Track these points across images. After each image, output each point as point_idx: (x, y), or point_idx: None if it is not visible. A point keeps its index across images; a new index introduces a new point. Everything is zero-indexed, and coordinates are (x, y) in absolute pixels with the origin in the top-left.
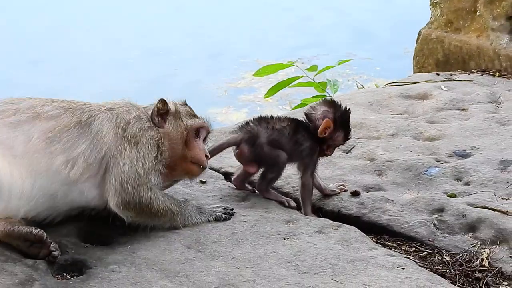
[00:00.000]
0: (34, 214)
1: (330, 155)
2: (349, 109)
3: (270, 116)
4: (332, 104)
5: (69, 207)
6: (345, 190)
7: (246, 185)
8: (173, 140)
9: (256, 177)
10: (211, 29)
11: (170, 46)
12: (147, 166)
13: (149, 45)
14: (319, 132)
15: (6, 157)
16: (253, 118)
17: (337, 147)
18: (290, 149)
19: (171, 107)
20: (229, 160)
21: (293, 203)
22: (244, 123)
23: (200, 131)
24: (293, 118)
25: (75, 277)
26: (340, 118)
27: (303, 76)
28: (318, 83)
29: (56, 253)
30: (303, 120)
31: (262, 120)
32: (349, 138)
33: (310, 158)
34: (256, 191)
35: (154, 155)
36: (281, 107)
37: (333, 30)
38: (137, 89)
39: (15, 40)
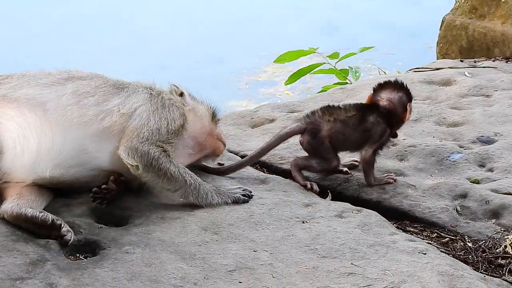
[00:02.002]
0: (62, 172)
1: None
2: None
3: (337, 106)
4: (402, 87)
5: (97, 166)
6: (395, 180)
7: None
8: (201, 117)
9: None
10: (232, 22)
11: (190, 40)
12: (171, 128)
13: (170, 38)
14: (405, 118)
15: (37, 111)
16: (320, 108)
17: None
18: (357, 139)
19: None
20: (247, 144)
21: (316, 187)
22: (310, 113)
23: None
24: (362, 105)
25: (88, 258)
26: (410, 95)
27: (324, 63)
28: (340, 70)
29: (67, 237)
30: (372, 103)
31: (326, 110)
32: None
33: (379, 138)
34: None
35: (181, 123)
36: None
37: (353, 25)
38: (158, 80)
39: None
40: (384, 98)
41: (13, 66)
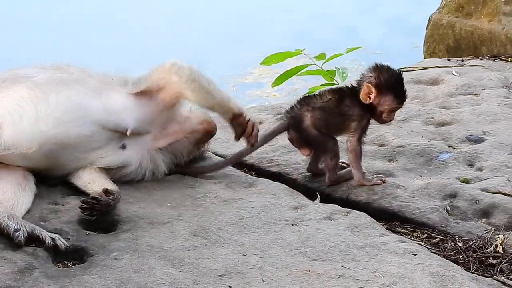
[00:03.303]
0: (63, 128)
1: (390, 120)
2: (397, 71)
3: (313, 95)
4: (376, 68)
5: (95, 120)
6: (384, 181)
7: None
8: None
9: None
10: (218, 24)
11: (177, 41)
12: None
13: (157, 39)
14: (362, 98)
15: (26, 82)
16: (297, 101)
17: (395, 111)
18: (337, 123)
19: None
20: (235, 147)
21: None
22: (289, 108)
23: None
24: (338, 88)
25: (76, 265)
26: (384, 81)
27: (311, 64)
28: (327, 71)
29: (62, 245)
30: (352, 86)
31: (304, 101)
32: (402, 100)
33: (358, 123)
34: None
35: None
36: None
37: (339, 25)
38: None
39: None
40: (359, 80)
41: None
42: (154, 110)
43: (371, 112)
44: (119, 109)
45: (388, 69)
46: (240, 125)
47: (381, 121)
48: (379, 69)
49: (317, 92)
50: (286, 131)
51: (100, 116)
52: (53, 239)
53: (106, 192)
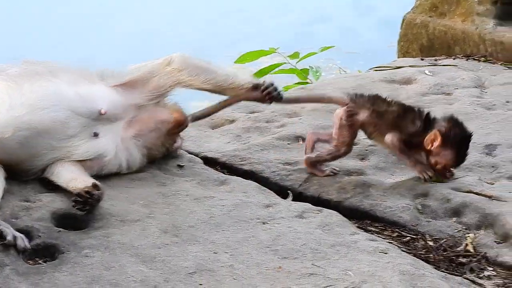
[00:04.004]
0: (38, 115)
1: (437, 171)
2: (468, 132)
3: (384, 98)
4: (451, 120)
5: (68, 106)
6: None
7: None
8: None
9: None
10: (193, 23)
11: (151, 40)
12: None
13: (133, 36)
14: (425, 142)
15: (1, 75)
16: (369, 94)
17: (448, 169)
18: (381, 130)
19: None
20: (208, 145)
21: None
22: (358, 94)
23: None
24: (409, 106)
25: (47, 262)
26: (453, 136)
27: (285, 63)
28: (300, 70)
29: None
30: (422, 112)
31: (373, 98)
32: (460, 162)
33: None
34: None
35: None
36: None
37: (315, 24)
38: None
39: None
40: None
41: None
42: (129, 98)
43: (424, 155)
44: (93, 95)
45: (461, 126)
46: (262, 94)
47: (437, 169)
48: (453, 122)
49: (389, 98)
50: (341, 106)
51: (74, 103)
52: (15, 237)
53: (95, 186)
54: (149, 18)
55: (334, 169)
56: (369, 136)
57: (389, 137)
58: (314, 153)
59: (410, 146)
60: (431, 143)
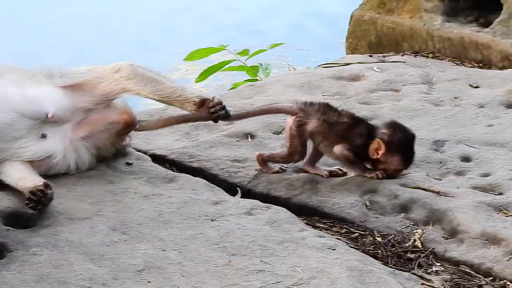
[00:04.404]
0: None
1: (386, 177)
2: (411, 133)
3: (335, 108)
4: (391, 126)
5: (15, 108)
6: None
7: (317, 166)
8: None
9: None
10: (143, 19)
11: (102, 38)
12: None
13: (84, 35)
14: (370, 153)
15: None
16: (319, 103)
17: (398, 172)
18: (330, 141)
19: None
20: (157, 142)
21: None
22: (308, 102)
23: None
24: (359, 118)
25: None
26: (397, 142)
27: (234, 60)
28: (250, 67)
29: None
30: (370, 125)
31: (323, 107)
32: (409, 164)
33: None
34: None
35: None
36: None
37: (268, 21)
38: None
39: None
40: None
41: None
42: (77, 101)
43: (372, 163)
44: (40, 98)
45: (402, 129)
46: (209, 112)
47: (389, 174)
48: (394, 127)
49: (340, 108)
50: (288, 115)
51: (20, 105)
52: None
53: (47, 185)
54: (98, 14)
55: (282, 167)
56: (317, 146)
57: (337, 149)
58: (268, 152)
59: (359, 157)
60: (376, 152)
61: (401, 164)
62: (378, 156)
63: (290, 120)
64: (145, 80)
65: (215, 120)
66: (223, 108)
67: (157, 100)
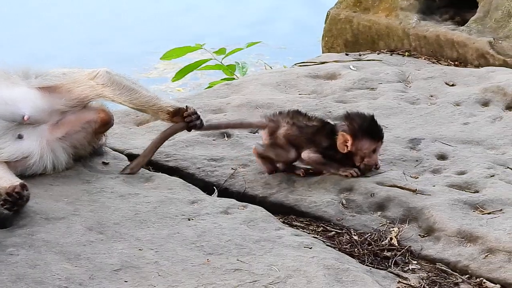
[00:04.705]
0: None
1: (374, 163)
2: (368, 115)
3: (304, 113)
4: (348, 117)
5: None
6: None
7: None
8: None
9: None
10: (121, 17)
11: (79, 36)
12: None
13: (57, 34)
14: (339, 148)
15: None
16: (288, 110)
17: (376, 151)
18: (304, 145)
19: None
20: (133, 142)
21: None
22: (277, 112)
23: None
24: (327, 122)
25: None
26: (358, 127)
27: (211, 59)
28: (227, 66)
29: None
30: (331, 124)
31: (292, 113)
32: (380, 138)
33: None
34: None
35: None
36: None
37: (246, 19)
38: None
39: None
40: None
41: None
42: (53, 103)
43: (349, 161)
44: (16, 99)
45: (358, 114)
46: (183, 121)
47: (365, 168)
48: (350, 117)
49: (309, 114)
50: (262, 129)
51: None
52: None
53: (24, 186)
54: (75, 15)
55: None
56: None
57: (305, 154)
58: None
59: (335, 159)
60: (345, 145)
61: (373, 143)
62: (349, 148)
63: (263, 134)
64: (121, 88)
65: (189, 129)
66: (198, 117)
67: (132, 108)
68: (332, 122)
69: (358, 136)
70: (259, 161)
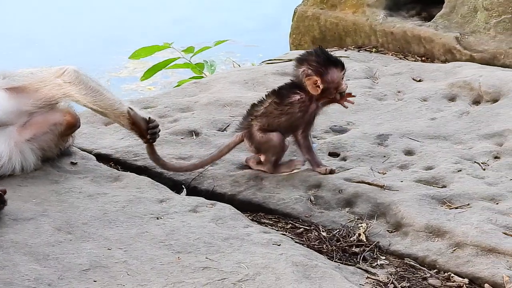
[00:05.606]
0: None
1: (346, 89)
2: (316, 48)
3: (256, 102)
4: (302, 60)
5: None
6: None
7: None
8: None
9: None
10: (92, 16)
11: (50, 37)
12: None
13: (27, 33)
14: (313, 92)
15: None
16: (246, 111)
17: (343, 79)
18: (283, 124)
19: None
20: (101, 141)
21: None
22: (241, 120)
23: None
24: (273, 90)
25: None
26: (317, 63)
27: (179, 57)
28: (196, 64)
29: None
30: (286, 85)
31: (249, 111)
32: (342, 65)
33: (302, 119)
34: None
35: None
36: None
37: (215, 18)
38: None
39: None
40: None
41: None
42: (21, 104)
43: (324, 101)
44: None
45: (309, 53)
46: (139, 128)
47: (341, 99)
48: (304, 59)
49: (260, 99)
50: (241, 142)
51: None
52: None
53: (3, 191)
54: (41, 14)
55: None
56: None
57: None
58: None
59: (303, 124)
60: (315, 86)
61: (339, 69)
62: (321, 86)
63: (245, 144)
64: (87, 88)
65: (148, 141)
66: (159, 130)
67: (95, 110)
68: (277, 87)
69: (324, 71)
70: (259, 168)
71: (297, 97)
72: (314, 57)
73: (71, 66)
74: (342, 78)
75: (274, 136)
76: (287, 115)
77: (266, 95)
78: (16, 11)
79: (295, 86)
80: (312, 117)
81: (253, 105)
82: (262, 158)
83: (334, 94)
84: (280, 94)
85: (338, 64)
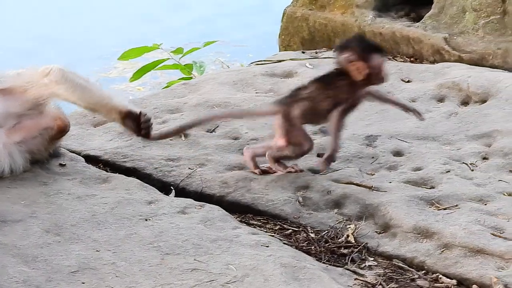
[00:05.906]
0: None
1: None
2: (355, 36)
3: (301, 86)
4: (343, 47)
5: None
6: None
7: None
8: None
9: None
10: (80, 16)
11: (39, 36)
12: None
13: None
14: (357, 77)
15: None
16: (290, 92)
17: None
18: (329, 108)
19: None
20: (90, 143)
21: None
22: (284, 96)
23: None
24: (316, 78)
25: None
26: (361, 50)
27: (169, 58)
28: (184, 65)
29: None
30: (332, 73)
31: (293, 92)
32: (383, 50)
33: (346, 101)
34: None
35: None
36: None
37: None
38: None
39: None
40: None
41: None
42: (9, 106)
43: (364, 84)
44: None
45: (350, 40)
46: (133, 122)
47: (381, 79)
48: (346, 46)
49: (305, 84)
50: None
51: None
52: None
53: None
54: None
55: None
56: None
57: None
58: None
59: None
60: (360, 71)
61: (381, 55)
62: (366, 71)
63: (277, 121)
64: (74, 86)
65: (142, 135)
66: (152, 124)
67: (84, 107)
68: (319, 75)
69: (367, 57)
70: (272, 164)
71: (344, 81)
72: (357, 43)
73: (56, 65)
74: (383, 64)
75: (306, 144)
76: (333, 98)
77: (309, 82)
78: (6, 13)
79: (339, 73)
80: (356, 102)
81: (298, 89)
82: (282, 142)
83: (376, 80)
84: (324, 80)
85: (380, 50)
